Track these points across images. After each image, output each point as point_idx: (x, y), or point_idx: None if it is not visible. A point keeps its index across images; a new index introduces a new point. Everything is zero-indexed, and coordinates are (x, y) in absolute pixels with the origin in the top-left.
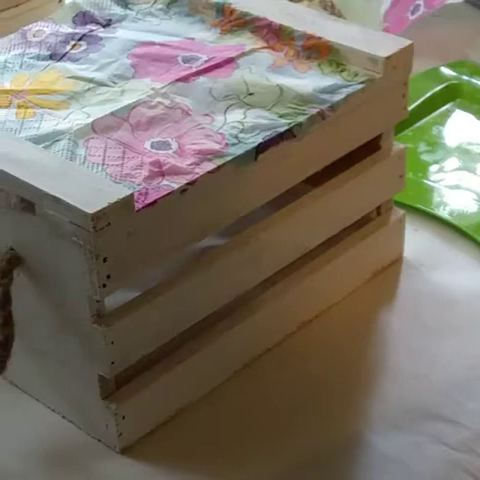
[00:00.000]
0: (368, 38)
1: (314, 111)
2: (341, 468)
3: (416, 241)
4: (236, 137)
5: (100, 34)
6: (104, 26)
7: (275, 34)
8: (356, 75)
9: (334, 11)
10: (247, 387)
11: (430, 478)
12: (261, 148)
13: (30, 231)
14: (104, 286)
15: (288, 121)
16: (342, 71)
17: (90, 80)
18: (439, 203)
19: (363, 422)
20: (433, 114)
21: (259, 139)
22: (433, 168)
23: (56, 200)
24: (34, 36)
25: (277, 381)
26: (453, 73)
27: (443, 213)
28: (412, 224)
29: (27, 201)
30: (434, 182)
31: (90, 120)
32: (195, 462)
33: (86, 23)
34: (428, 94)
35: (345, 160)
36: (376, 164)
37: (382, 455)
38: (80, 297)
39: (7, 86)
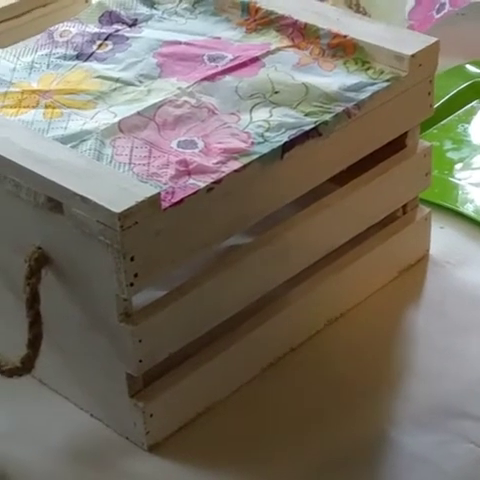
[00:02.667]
0: (393, 36)
1: (340, 109)
2: (368, 467)
3: (442, 239)
4: (262, 136)
5: (126, 34)
6: (130, 26)
7: (300, 33)
8: (382, 73)
9: (359, 9)
10: (274, 385)
11: (458, 476)
12: (287, 147)
13: (58, 230)
14: (131, 285)
15: (314, 119)
16: (368, 69)
17: (116, 80)
18: (465, 200)
19: (389, 421)
20: (458, 112)
21: (285, 138)
22: (458, 166)
23: (83, 199)
24: (61, 36)
25: (303, 379)
26: (478, 70)
27: (469, 210)
28: (438, 222)
29: (55, 200)
30: (460, 180)
31: (117, 120)
32: (222, 460)
33: (112, 23)
34: (453, 92)
35: (371, 158)
36: (402, 162)
37: (409, 454)
38: (107, 296)
39: (34, 86)
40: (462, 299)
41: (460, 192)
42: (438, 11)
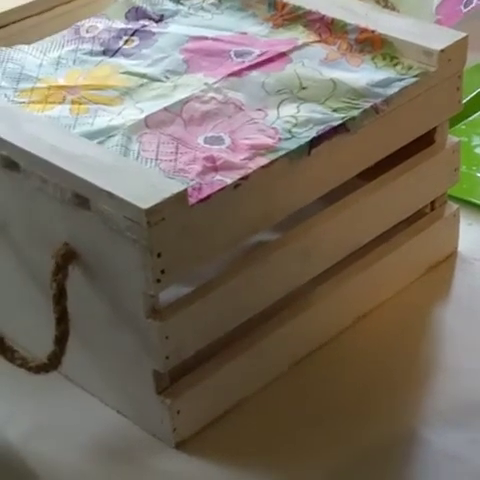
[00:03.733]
0: (422, 31)
1: (368, 105)
2: (397, 465)
3: (470, 235)
4: (289, 131)
5: (153, 29)
6: (156, 21)
7: (328, 28)
8: (410, 68)
9: (387, 4)
10: (301, 382)
11: None
12: (314, 142)
13: (84, 226)
14: (158, 281)
15: (342, 115)
16: (396, 64)
17: (143, 75)
18: None
19: (418, 419)
20: None
21: (312, 133)
22: None
23: (110, 195)
24: (87, 32)
25: (331, 377)
26: None
27: None
28: (466, 218)
29: (82, 196)
30: None
31: (143, 115)
32: (250, 457)
33: (139, 18)
34: None
35: (399, 154)
36: (430, 158)
37: (438, 452)
38: (134, 292)
39: (61, 82)
40: None
41: None
42: (466, 5)
